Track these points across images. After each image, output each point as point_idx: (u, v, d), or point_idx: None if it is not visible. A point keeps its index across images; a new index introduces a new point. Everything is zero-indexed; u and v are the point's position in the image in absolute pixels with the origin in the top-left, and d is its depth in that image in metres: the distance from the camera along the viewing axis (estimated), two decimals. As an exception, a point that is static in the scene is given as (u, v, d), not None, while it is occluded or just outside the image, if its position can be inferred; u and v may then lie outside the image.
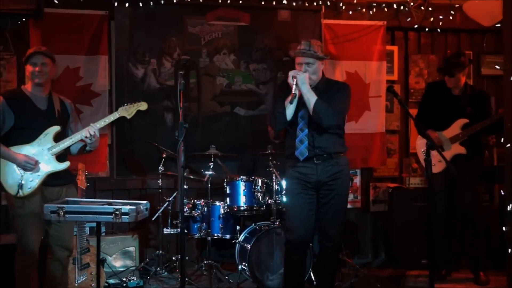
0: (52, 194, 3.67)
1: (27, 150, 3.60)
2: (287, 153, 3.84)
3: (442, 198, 4.73)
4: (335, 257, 3.84)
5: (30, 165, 3.55)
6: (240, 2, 5.49)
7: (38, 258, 3.68)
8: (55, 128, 3.65)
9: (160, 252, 4.97)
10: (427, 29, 5.92)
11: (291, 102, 3.61)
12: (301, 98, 3.67)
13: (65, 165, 3.66)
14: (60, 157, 3.68)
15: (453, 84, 4.78)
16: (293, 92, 3.59)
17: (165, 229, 4.90)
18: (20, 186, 3.55)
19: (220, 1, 5.45)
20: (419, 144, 4.96)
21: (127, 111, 3.68)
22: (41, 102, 3.72)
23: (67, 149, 3.74)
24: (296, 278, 3.83)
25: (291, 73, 3.67)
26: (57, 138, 3.67)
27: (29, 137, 3.62)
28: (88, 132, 3.60)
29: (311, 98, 3.62)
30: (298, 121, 3.75)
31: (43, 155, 3.61)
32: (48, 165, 3.62)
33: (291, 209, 3.81)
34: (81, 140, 3.67)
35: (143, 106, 3.70)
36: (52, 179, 3.65)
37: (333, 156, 3.73)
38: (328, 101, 3.66)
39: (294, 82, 3.60)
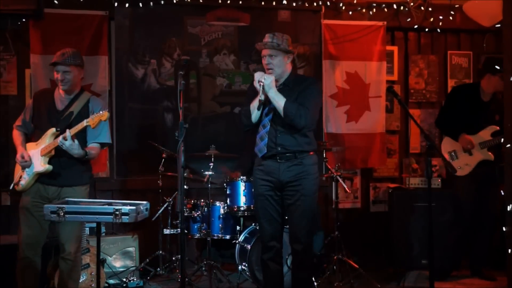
0: (47, 193, 3.70)
1: (31, 149, 3.71)
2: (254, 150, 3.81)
3: (469, 201, 4.79)
4: (307, 260, 3.73)
5: (22, 162, 3.66)
6: (240, 2, 5.49)
7: (29, 258, 3.66)
8: (51, 130, 3.65)
9: (160, 252, 4.96)
10: (427, 30, 5.93)
11: (258, 109, 3.56)
12: (264, 103, 3.59)
13: (44, 168, 3.63)
14: (53, 158, 3.65)
15: (497, 88, 4.72)
16: (259, 98, 3.51)
17: (165, 229, 4.90)
18: (18, 181, 3.69)
19: (220, 2, 5.45)
20: (445, 146, 4.97)
21: (93, 120, 3.59)
22: (61, 102, 3.78)
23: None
24: (271, 275, 3.80)
25: (257, 77, 3.58)
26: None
27: (38, 136, 3.72)
28: (60, 137, 3.55)
29: (280, 101, 3.55)
30: (262, 118, 3.70)
31: (37, 155, 3.66)
32: (36, 166, 3.66)
33: (257, 210, 3.80)
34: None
35: (103, 116, 3.58)
36: (49, 178, 3.67)
37: (298, 156, 3.65)
38: (297, 98, 3.60)
39: (261, 87, 3.52)
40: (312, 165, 3.72)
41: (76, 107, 3.76)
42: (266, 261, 3.78)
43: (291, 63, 3.76)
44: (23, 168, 3.69)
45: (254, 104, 3.60)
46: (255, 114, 3.67)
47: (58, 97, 3.80)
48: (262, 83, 3.53)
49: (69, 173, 3.71)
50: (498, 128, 4.75)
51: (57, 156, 3.66)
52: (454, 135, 4.83)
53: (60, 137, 3.54)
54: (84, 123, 3.56)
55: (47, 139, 3.65)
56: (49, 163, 3.64)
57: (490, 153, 4.77)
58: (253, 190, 4.01)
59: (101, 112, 3.57)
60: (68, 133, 3.52)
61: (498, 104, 4.81)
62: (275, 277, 3.81)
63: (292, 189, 3.66)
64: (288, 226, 3.89)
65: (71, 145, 3.53)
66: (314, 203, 3.75)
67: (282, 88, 3.68)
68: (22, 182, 3.68)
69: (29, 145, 3.76)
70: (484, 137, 4.77)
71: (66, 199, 3.48)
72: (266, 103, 3.64)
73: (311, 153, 3.74)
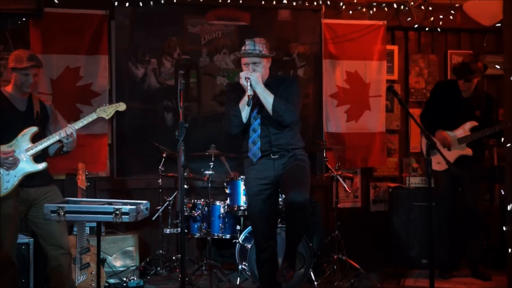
0: (29, 195, 3.63)
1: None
2: (244, 154, 3.80)
3: (447, 196, 4.81)
4: (303, 213, 3.51)
5: (7, 161, 3.50)
6: (240, 1, 5.49)
7: (11, 259, 3.62)
8: (33, 129, 3.60)
9: (160, 252, 4.96)
10: (427, 29, 5.93)
11: (248, 104, 3.57)
12: (254, 98, 3.59)
13: (42, 166, 3.60)
14: (38, 158, 3.62)
15: (466, 88, 4.84)
16: (248, 93, 3.53)
17: (165, 229, 4.90)
18: None
19: (220, 1, 5.45)
20: (424, 142, 5.02)
21: (105, 111, 3.62)
22: (20, 103, 3.68)
23: (46, 150, 3.70)
24: (268, 275, 3.78)
25: (242, 75, 3.59)
26: (35, 139, 3.60)
27: (6, 138, 3.57)
28: (65, 132, 3.56)
29: (268, 97, 3.57)
30: (251, 122, 3.71)
31: (20, 155, 3.56)
32: (25, 166, 3.56)
33: (252, 210, 3.79)
34: (59, 141, 3.63)
35: (121, 106, 3.64)
36: (28, 180, 3.59)
37: (290, 150, 3.68)
38: (281, 97, 3.62)
39: (248, 84, 3.53)
40: (303, 155, 3.74)
41: (37, 107, 3.72)
42: (263, 262, 3.77)
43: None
44: (6, 168, 3.51)
45: (243, 101, 3.61)
46: (245, 112, 3.67)
47: (12, 99, 3.67)
48: (249, 80, 3.54)
49: (45, 171, 3.68)
50: (477, 123, 4.80)
51: (38, 155, 3.63)
52: (432, 131, 4.87)
53: (64, 133, 3.53)
54: (95, 115, 3.58)
55: (28, 139, 3.57)
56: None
57: (468, 148, 4.80)
58: (246, 190, 3.99)
59: (116, 103, 3.62)
60: (72, 128, 3.54)
61: (479, 100, 4.88)
62: (272, 277, 3.78)
63: (286, 167, 3.66)
64: (283, 225, 3.87)
65: (74, 140, 3.57)
66: (305, 168, 3.66)
67: None
68: (5, 186, 3.53)
69: None
70: (463, 132, 4.82)
71: (66, 198, 3.48)
72: (255, 105, 3.66)
73: (301, 149, 3.77)
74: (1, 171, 3.51)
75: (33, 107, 3.71)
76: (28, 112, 3.68)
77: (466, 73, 4.77)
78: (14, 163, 3.53)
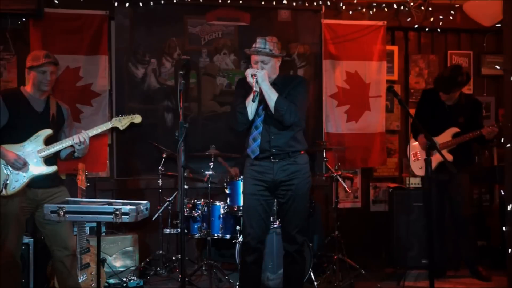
0: (36, 196, 3.64)
1: (16, 150, 3.58)
2: (246, 151, 3.78)
3: (429, 200, 4.80)
4: (300, 260, 3.72)
5: (18, 164, 3.54)
6: (240, 2, 5.49)
7: (15, 259, 3.63)
8: (47, 131, 3.64)
9: (160, 252, 4.97)
10: (427, 29, 5.93)
11: (253, 100, 3.53)
12: (259, 95, 3.58)
13: (52, 169, 3.64)
14: (48, 160, 3.66)
15: (446, 98, 4.88)
16: (254, 89, 3.52)
17: (165, 229, 4.91)
18: (5, 185, 3.53)
19: (220, 1, 5.45)
20: (412, 147, 5.02)
21: (121, 122, 3.68)
22: (37, 104, 3.71)
23: (57, 154, 3.73)
24: (251, 278, 3.74)
25: (249, 71, 3.56)
26: (48, 141, 3.64)
27: (20, 137, 3.60)
28: (78, 138, 3.61)
29: (272, 96, 3.55)
30: (255, 118, 3.69)
31: (31, 156, 3.59)
32: (35, 167, 3.60)
33: (246, 211, 3.75)
34: (71, 146, 3.66)
35: (137, 119, 3.70)
36: (37, 181, 3.61)
37: (291, 155, 3.65)
38: (287, 97, 3.61)
39: (254, 80, 3.52)
40: (304, 164, 3.71)
41: (53, 110, 3.75)
42: (249, 264, 3.70)
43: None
44: (14, 169, 3.54)
45: (249, 98, 3.58)
46: (251, 109, 3.63)
47: (31, 99, 3.70)
48: (255, 77, 3.52)
49: (54, 173, 3.71)
50: (458, 130, 4.82)
51: (48, 158, 3.66)
52: (416, 136, 4.93)
53: (77, 139, 3.58)
54: (109, 125, 3.65)
55: (41, 140, 3.61)
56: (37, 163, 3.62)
57: (449, 154, 4.80)
58: (243, 189, 3.96)
59: (132, 115, 3.71)
60: (86, 134, 3.60)
61: (463, 107, 4.90)
62: (254, 280, 3.74)
63: (285, 188, 3.64)
64: (272, 227, 3.88)
65: (86, 146, 3.62)
66: (306, 202, 3.75)
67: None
68: (13, 185, 3.55)
69: (7, 146, 3.58)
70: (444, 138, 4.85)
71: (66, 198, 3.48)
72: (260, 102, 3.64)
73: (302, 152, 3.73)
74: (11, 170, 3.55)
75: (50, 109, 3.74)
76: (44, 114, 3.71)
77: (443, 87, 4.80)
78: (23, 166, 3.56)
